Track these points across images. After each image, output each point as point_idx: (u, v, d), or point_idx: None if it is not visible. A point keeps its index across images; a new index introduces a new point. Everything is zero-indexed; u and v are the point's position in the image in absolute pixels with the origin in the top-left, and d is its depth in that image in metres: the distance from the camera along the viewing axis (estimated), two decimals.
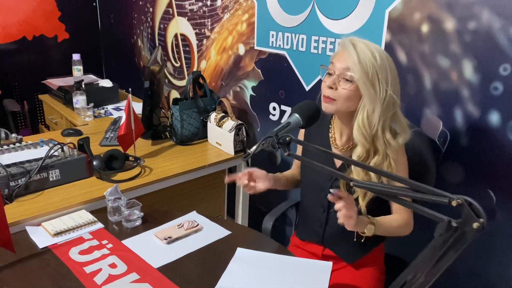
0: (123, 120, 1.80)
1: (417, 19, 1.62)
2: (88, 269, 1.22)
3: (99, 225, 1.46)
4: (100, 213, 1.54)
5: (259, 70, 2.34)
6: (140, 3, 3.19)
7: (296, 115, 1.14)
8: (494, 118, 1.48)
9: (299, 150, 1.49)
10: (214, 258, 1.30)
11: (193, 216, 1.53)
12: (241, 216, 2.17)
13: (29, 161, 1.63)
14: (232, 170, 2.13)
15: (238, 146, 2.00)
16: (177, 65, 2.97)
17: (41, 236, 1.39)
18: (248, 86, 2.43)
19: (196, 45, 2.75)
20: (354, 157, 1.27)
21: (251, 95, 2.42)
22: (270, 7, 2.17)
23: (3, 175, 1.52)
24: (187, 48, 2.83)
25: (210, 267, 1.26)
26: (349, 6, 1.82)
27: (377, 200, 1.29)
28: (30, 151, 1.75)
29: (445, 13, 1.53)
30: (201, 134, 2.18)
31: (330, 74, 1.26)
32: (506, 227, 1.51)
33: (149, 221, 1.50)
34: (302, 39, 2.06)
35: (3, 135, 2.00)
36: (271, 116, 2.30)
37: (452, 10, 1.51)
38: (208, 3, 2.55)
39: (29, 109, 3.57)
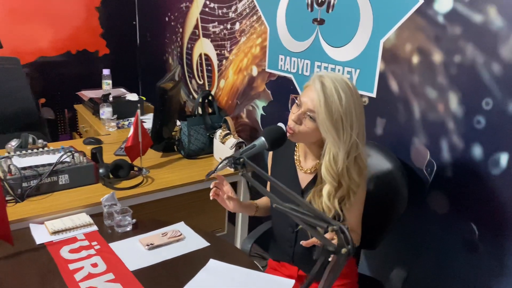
0: (131, 132, 1.96)
1: (408, 50, 1.66)
2: (72, 266, 1.36)
3: (94, 228, 1.60)
4: (98, 217, 1.68)
5: (269, 91, 2.44)
6: (172, 23, 3.41)
7: (262, 138, 1.23)
8: (477, 151, 1.48)
9: (268, 169, 1.56)
10: (187, 266, 1.40)
11: (180, 226, 1.64)
12: (240, 228, 2.26)
13: (43, 165, 1.82)
14: (233, 184, 2.23)
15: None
16: (200, 82, 3.13)
17: (41, 234, 1.55)
18: (259, 106, 2.53)
19: (217, 65, 2.90)
20: (324, 193, 1.31)
21: (261, 114, 2.52)
22: (280, 33, 2.27)
23: (17, 176, 1.71)
24: (209, 67, 2.99)
25: (181, 274, 1.35)
26: (348, 35, 1.88)
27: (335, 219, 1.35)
28: (48, 156, 1.94)
29: (433, 45, 1.57)
30: (208, 150, 2.30)
31: (298, 105, 1.32)
32: (488, 261, 1.49)
33: (139, 228, 1.62)
34: (307, 64, 2.14)
35: (30, 140, 2.22)
36: None
37: (440, 43, 1.54)
38: (228, 26, 2.70)
39: (69, 117, 3.88)
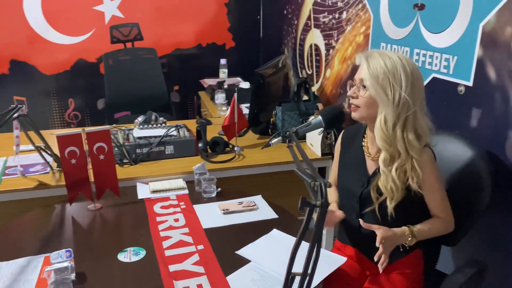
0: (228, 113, 2.17)
1: (508, 34, 1.50)
2: (159, 219, 1.61)
3: (185, 191, 1.85)
4: (192, 183, 1.92)
5: None
6: (289, 16, 3.56)
7: (319, 117, 1.29)
8: None
9: (336, 154, 1.58)
10: (253, 232, 1.53)
11: (257, 198, 1.78)
12: None
13: (155, 137, 2.14)
14: (321, 170, 2.28)
15: (326, 149, 2.15)
16: (309, 72, 3.22)
17: (144, 191, 1.85)
18: None
19: (324, 54, 2.96)
20: (380, 162, 1.33)
21: None
22: (383, 20, 2.23)
23: (133, 144, 2.06)
24: (317, 57, 3.06)
25: (245, 237, 1.49)
26: (447, 20, 1.77)
27: (406, 202, 1.33)
28: (162, 130, 2.27)
29: None
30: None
31: (353, 85, 1.36)
32: None
33: (223, 196, 1.82)
34: (406, 51, 2.07)
35: (153, 117, 2.60)
36: None
37: None
38: (336, 15, 2.73)
39: (198, 103, 4.35)
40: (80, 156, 1.64)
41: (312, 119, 1.31)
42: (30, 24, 3.67)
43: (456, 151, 1.55)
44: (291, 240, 1.47)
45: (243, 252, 1.40)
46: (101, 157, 1.67)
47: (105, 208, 1.72)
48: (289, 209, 2.17)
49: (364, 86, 1.31)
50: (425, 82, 1.92)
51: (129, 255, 1.37)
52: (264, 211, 1.69)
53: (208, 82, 3.39)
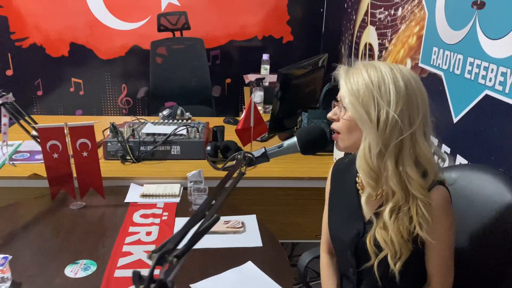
0: (242, 116, 1.95)
1: None
2: (132, 229, 1.46)
3: (176, 200, 1.68)
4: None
5: None
6: (349, 10, 3.21)
7: (294, 138, 1.03)
8: None
9: (326, 194, 1.28)
10: (224, 260, 1.32)
11: (249, 218, 1.56)
12: None
13: (165, 134, 2.00)
14: None
15: None
16: None
17: (133, 194, 1.72)
18: None
19: (377, 56, 2.60)
20: (362, 201, 1.03)
21: None
22: (438, 19, 1.85)
23: (138, 140, 1.94)
24: (370, 59, 2.71)
25: (211, 266, 1.28)
26: (510, 22, 1.38)
27: (413, 258, 1.02)
28: (173, 128, 2.12)
29: None
30: (329, 147, 2.09)
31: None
32: None
33: (214, 209, 1.62)
34: (459, 59, 1.68)
35: (179, 112, 2.48)
36: None
37: None
38: (392, 12, 2.36)
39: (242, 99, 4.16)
40: (62, 151, 1.55)
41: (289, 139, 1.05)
42: (90, 9, 3.75)
43: (493, 195, 1.19)
44: (264, 280, 1.23)
45: (198, 287, 1.19)
46: (85, 154, 1.56)
47: (87, 208, 1.61)
48: (291, 231, 1.92)
49: (344, 106, 1.02)
50: (476, 100, 1.53)
51: (77, 270, 1.24)
52: (249, 236, 1.46)
53: (250, 77, 3.19)
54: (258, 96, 2.81)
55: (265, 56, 3.10)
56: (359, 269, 1.11)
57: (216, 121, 2.49)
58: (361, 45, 2.90)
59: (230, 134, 2.11)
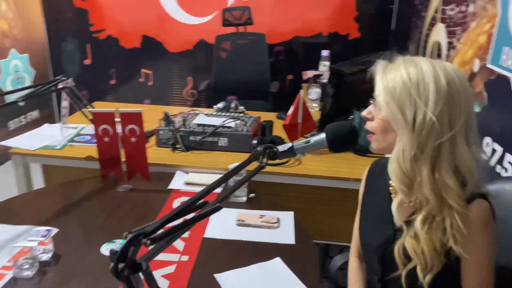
0: (290, 111, 1.92)
1: None
2: None
3: (217, 190, 1.70)
4: None
5: (486, 94, 1.87)
6: (419, 7, 3.04)
7: (323, 134, 0.99)
8: None
9: (360, 196, 1.21)
10: (252, 254, 1.31)
11: (286, 215, 1.53)
12: None
13: (214, 126, 2.04)
14: None
15: None
16: None
17: (178, 181, 1.77)
18: None
19: (445, 56, 2.43)
20: (393, 207, 0.96)
21: None
22: (511, 17, 1.68)
23: (188, 130, 1.99)
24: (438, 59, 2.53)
25: (238, 258, 1.28)
26: None
27: (446, 273, 0.94)
28: (227, 120, 2.15)
29: None
30: None
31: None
32: None
33: (252, 203, 1.62)
34: None
35: (233, 105, 2.51)
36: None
37: None
38: (463, 8, 2.19)
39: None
40: (113, 135, 1.63)
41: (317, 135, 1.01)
42: (161, 3, 3.92)
43: None
44: (290, 278, 1.20)
45: (221, 277, 1.19)
46: (133, 139, 1.63)
47: (133, 191, 1.69)
48: (330, 233, 1.86)
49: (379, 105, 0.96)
50: None
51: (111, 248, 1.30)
52: (283, 232, 1.43)
53: (309, 74, 3.13)
54: (314, 93, 2.76)
55: (325, 52, 3.03)
56: (385, 278, 1.05)
57: (269, 116, 2.48)
58: (430, 44, 2.73)
59: (280, 129, 2.09)
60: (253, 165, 0.98)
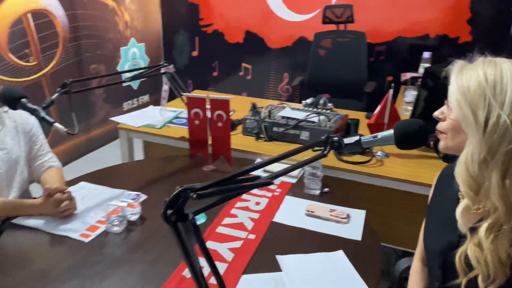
0: (377, 110, 1.89)
1: None
2: (244, 196, 1.60)
3: (292, 180, 1.76)
4: None
5: None
6: None
7: (391, 131, 0.99)
8: None
9: (429, 199, 1.15)
10: (315, 244, 1.34)
11: (357, 213, 1.53)
12: None
13: (298, 119, 2.09)
14: None
15: None
16: None
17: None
18: None
19: None
20: (458, 211, 0.92)
21: None
22: None
23: (272, 121, 2.07)
24: None
25: (301, 245, 1.32)
26: None
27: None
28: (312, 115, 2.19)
29: None
30: None
31: None
32: None
33: (327, 197, 1.64)
34: None
35: (321, 101, 2.53)
36: None
37: None
38: None
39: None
40: (202, 118, 1.78)
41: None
42: (267, 0, 4.06)
43: None
44: (351, 272, 1.21)
45: (282, 259, 1.25)
46: (219, 124, 1.76)
47: (216, 172, 1.82)
48: (395, 236, 1.81)
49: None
50: None
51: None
52: (351, 228, 1.44)
53: (408, 76, 3.01)
54: (411, 95, 2.65)
55: (426, 54, 2.88)
56: (445, 284, 1.01)
57: (358, 116, 2.45)
58: None
59: (366, 129, 2.07)
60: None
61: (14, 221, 1.38)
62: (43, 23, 3.21)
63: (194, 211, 0.65)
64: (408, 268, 1.31)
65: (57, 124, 1.38)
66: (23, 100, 1.39)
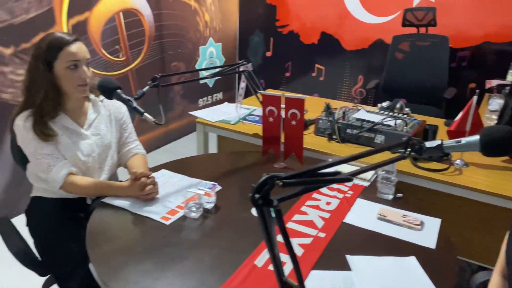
0: (458, 117, 1.82)
1: None
2: (315, 195, 1.61)
3: (365, 183, 1.74)
4: None
5: None
6: None
7: (477, 136, 0.96)
8: None
9: None
10: (386, 247, 1.32)
11: (431, 221, 1.48)
12: None
13: (373, 122, 2.06)
14: None
15: None
16: None
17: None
18: None
19: None
20: None
21: None
22: None
23: (346, 123, 2.06)
24: None
25: (371, 248, 1.32)
26: None
27: None
28: (387, 119, 2.14)
29: None
30: None
31: None
32: None
33: (399, 203, 1.60)
34: None
35: (398, 105, 2.46)
36: None
37: None
38: None
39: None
40: (277, 116, 1.82)
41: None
42: (344, 1, 4.02)
43: None
44: (423, 280, 1.19)
45: (352, 259, 1.25)
46: (293, 122, 1.79)
47: (287, 169, 1.85)
48: (470, 251, 1.73)
49: None
50: None
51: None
52: (424, 235, 1.40)
53: (494, 83, 2.83)
54: (495, 104, 2.50)
55: None
56: None
57: (437, 122, 2.36)
58: None
59: (445, 136, 1.99)
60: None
61: (104, 200, 1.52)
62: (132, 22, 3.46)
63: (278, 198, 0.68)
64: (485, 282, 1.25)
65: (146, 115, 1.50)
66: (118, 91, 1.53)
